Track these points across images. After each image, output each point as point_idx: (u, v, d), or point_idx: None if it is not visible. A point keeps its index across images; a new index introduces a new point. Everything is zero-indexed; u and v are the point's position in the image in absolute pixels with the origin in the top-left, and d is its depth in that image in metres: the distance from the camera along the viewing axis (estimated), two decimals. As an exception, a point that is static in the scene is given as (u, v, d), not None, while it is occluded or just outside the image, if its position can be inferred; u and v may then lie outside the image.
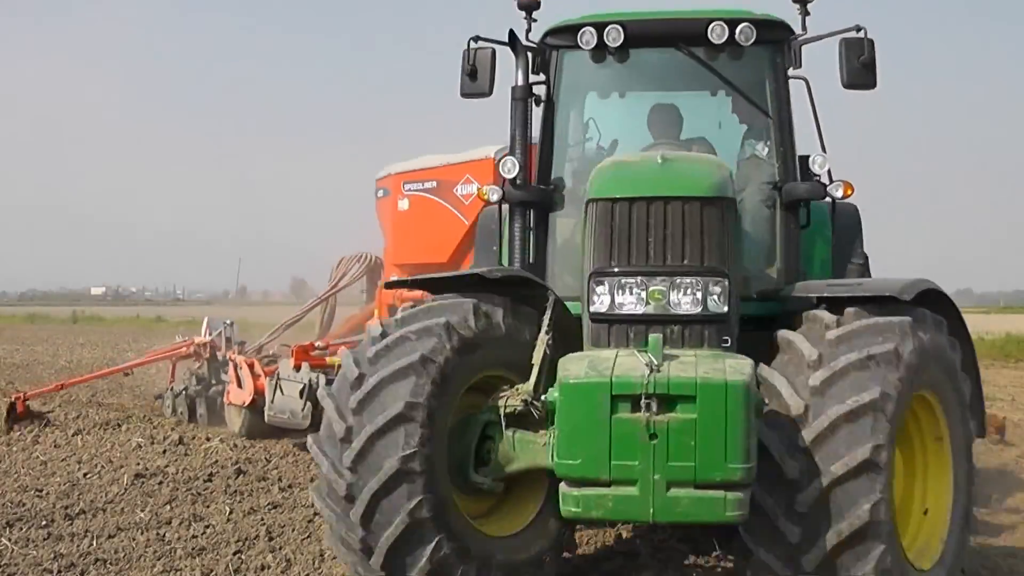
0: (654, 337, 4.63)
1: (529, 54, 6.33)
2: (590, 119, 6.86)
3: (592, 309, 5.12)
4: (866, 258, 6.51)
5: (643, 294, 5.01)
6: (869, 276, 6.40)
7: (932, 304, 5.24)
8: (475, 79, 6.26)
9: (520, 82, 6.23)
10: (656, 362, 4.48)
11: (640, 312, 5.02)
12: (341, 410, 5.06)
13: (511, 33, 6.22)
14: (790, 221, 6.09)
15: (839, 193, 5.90)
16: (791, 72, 6.21)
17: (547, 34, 6.44)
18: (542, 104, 6.45)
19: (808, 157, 6.03)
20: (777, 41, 6.20)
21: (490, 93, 6.31)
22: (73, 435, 11.54)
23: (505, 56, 6.29)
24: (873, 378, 4.67)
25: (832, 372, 4.70)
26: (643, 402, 4.35)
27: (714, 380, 4.37)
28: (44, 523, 7.33)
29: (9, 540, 6.81)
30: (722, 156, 6.45)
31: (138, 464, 9.62)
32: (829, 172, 5.94)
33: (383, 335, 5.21)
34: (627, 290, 5.04)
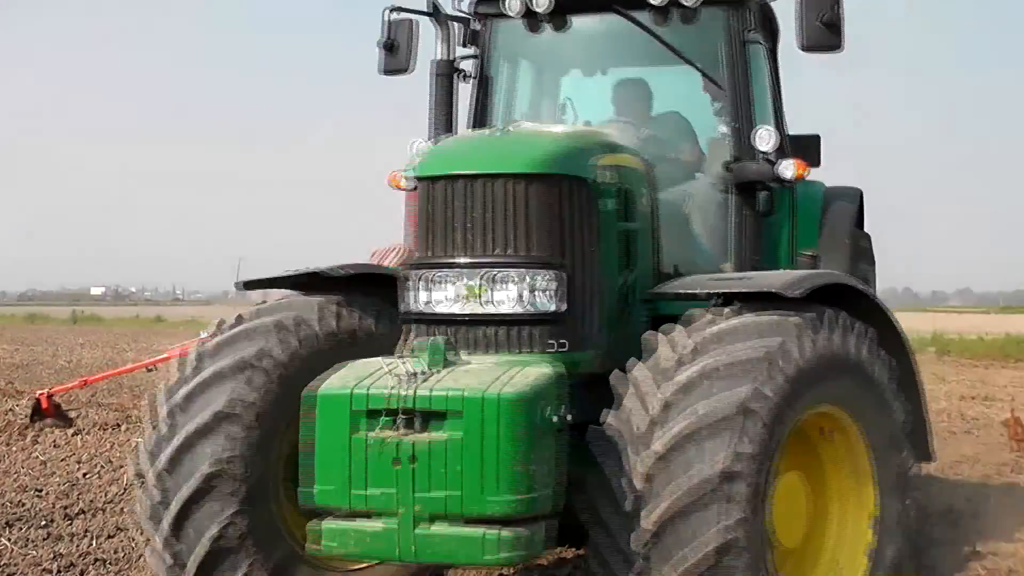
0: (433, 341, 3.99)
1: (455, 25, 5.86)
2: (567, 99, 6.32)
3: (400, 308, 4.48)
4: (863, 251, 6.08)
5: (457, 290, 4.26)
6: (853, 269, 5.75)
7: (850, 304, 4.56)
8: (394, 53, 5.78)
9: (441, 56, 5.83)
10: (427, 370, 3.84)
11: (454, 312, 4.27)
12: (149, 473, 4.64)
13: (431, 2, 5.80)
14: (745, 207, 5.41)
15: (789, 174, 5.21)
16: (750, 36, 5.55)
17: (478, 2, 5.89)
18: (472, 81, 5.94)
19: (793, 137, 5.54)
20: (731, 2, 5.50)
21: (410, 69, 5.83)
22: (73, 435, 11.50)
23: (428, 28, 5.89)
24: (755, 339, 4.04)
25: (705, 337, 4.11)
26: (400, 419, 3.72)
27: (481, 394, 3.65)
28: (44, 523, 7.31)
29: (9, 540, 6.80)
30: (703, 135, 6.02)
31: (138, 464, 9.59)
32: (783, 149, 5.29)
33: (195, 371, 4.68)
34: (440, 285, 4.30)
